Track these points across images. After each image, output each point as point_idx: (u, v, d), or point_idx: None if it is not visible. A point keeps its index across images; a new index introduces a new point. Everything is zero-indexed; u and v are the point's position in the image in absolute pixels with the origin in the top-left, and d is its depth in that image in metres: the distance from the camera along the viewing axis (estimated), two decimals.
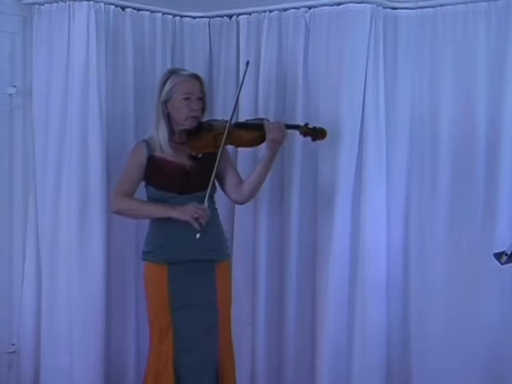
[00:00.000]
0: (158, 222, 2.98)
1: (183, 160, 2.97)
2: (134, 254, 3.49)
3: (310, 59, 3.38)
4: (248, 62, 3.02)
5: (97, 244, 3.35)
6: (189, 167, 2.96)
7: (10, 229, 3.52)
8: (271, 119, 3.39)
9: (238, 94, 3.07)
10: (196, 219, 2.82)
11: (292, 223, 3.42)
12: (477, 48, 3.15)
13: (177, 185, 2.94)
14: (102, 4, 3.36)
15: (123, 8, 3.46)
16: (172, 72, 3.00)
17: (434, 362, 3.26)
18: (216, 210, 3.03)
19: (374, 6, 3.26)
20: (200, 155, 2.98)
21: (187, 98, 2.92)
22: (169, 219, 2.91)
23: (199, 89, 2.97)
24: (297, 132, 3.02)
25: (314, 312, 3.40)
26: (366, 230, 3.29)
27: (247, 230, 3.53)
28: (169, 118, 2.97)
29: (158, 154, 2.96)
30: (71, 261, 3.37)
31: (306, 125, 2.98)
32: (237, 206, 3.39)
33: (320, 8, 3.34)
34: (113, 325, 3.46)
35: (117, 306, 3.48)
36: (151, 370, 2.97)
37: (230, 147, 3.09)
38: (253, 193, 3.05)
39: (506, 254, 2.36)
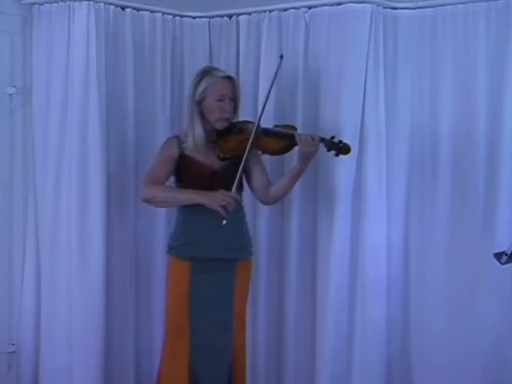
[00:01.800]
0: (184, 218, 3.02)
1: (212, 160, 3.00)
2: (134, 255, 3.49)
3: (310, 59, 3.38)
4: (282, 56, 3.01)
5: (97, 244, 3.35)
6: (217, 168, 2.98)
7: (10, 229, 3.52)
8: (271, 120, 3.40)
9: (269, 92, 3.01)
10: (223, 207, 2.82)
11: (292, 223, 3.42)
12: (477, 48, 3.15)
13: (202, 184, 2.95)
14: (101, 4, 3.36)
15: (123, 8, 3.46)
16: (205, 72, 2.99)
17: (434, 360, 3.27)
18: (243, 209, 3.06)
19: (374, 5, 3.26)
20: (228, 156, 2.99)
21: (220, 100, 2.94)
22: (195, 214, 2.95)
23: (232, 90, 2.98)
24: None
25: (314, 312, 3.40)
26: (367, 230, 3.29)
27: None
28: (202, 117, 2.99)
29: (188, 152, 2.99)
30: (71, 261, 3.36)
31: (332, 138, 2.93)
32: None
33: (320, 8, 3.34)
34: (113, 325, 3.46)
35: (117, 307, 3.47)
36: (166, 368, 3.00)
37: None
38: (279, 198, 3.09)
39: (506, 254, 2.37)
